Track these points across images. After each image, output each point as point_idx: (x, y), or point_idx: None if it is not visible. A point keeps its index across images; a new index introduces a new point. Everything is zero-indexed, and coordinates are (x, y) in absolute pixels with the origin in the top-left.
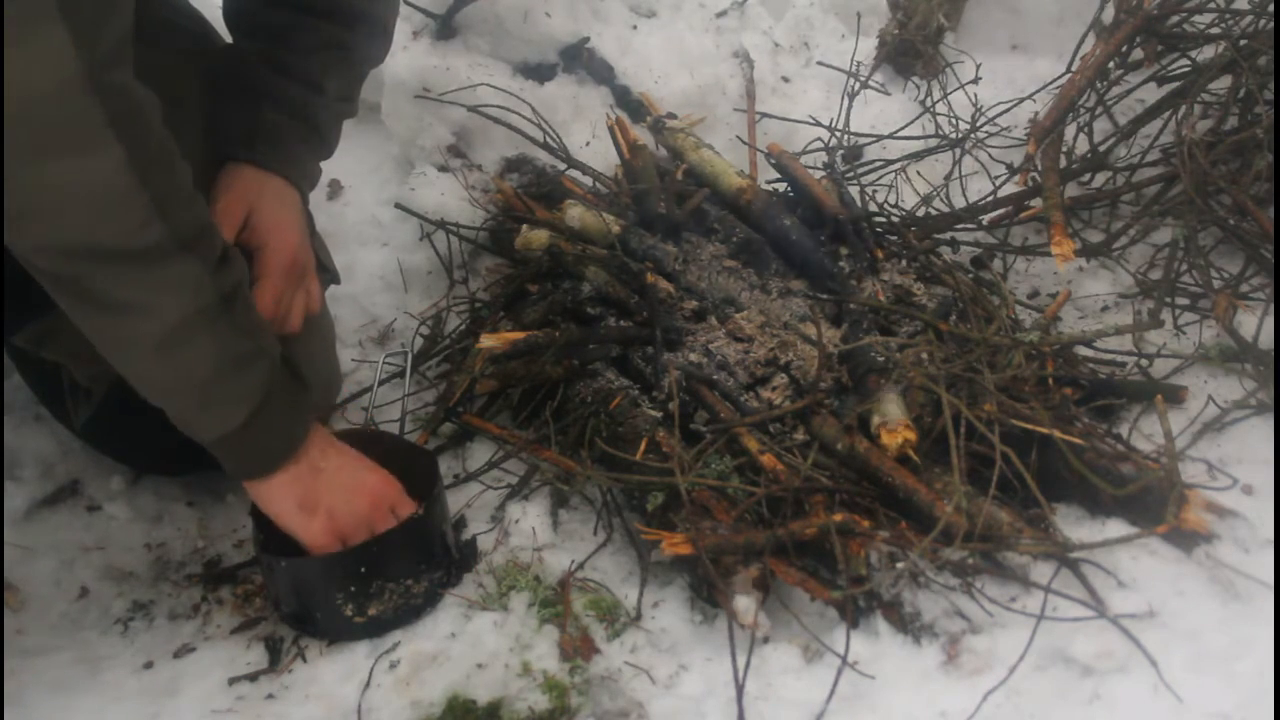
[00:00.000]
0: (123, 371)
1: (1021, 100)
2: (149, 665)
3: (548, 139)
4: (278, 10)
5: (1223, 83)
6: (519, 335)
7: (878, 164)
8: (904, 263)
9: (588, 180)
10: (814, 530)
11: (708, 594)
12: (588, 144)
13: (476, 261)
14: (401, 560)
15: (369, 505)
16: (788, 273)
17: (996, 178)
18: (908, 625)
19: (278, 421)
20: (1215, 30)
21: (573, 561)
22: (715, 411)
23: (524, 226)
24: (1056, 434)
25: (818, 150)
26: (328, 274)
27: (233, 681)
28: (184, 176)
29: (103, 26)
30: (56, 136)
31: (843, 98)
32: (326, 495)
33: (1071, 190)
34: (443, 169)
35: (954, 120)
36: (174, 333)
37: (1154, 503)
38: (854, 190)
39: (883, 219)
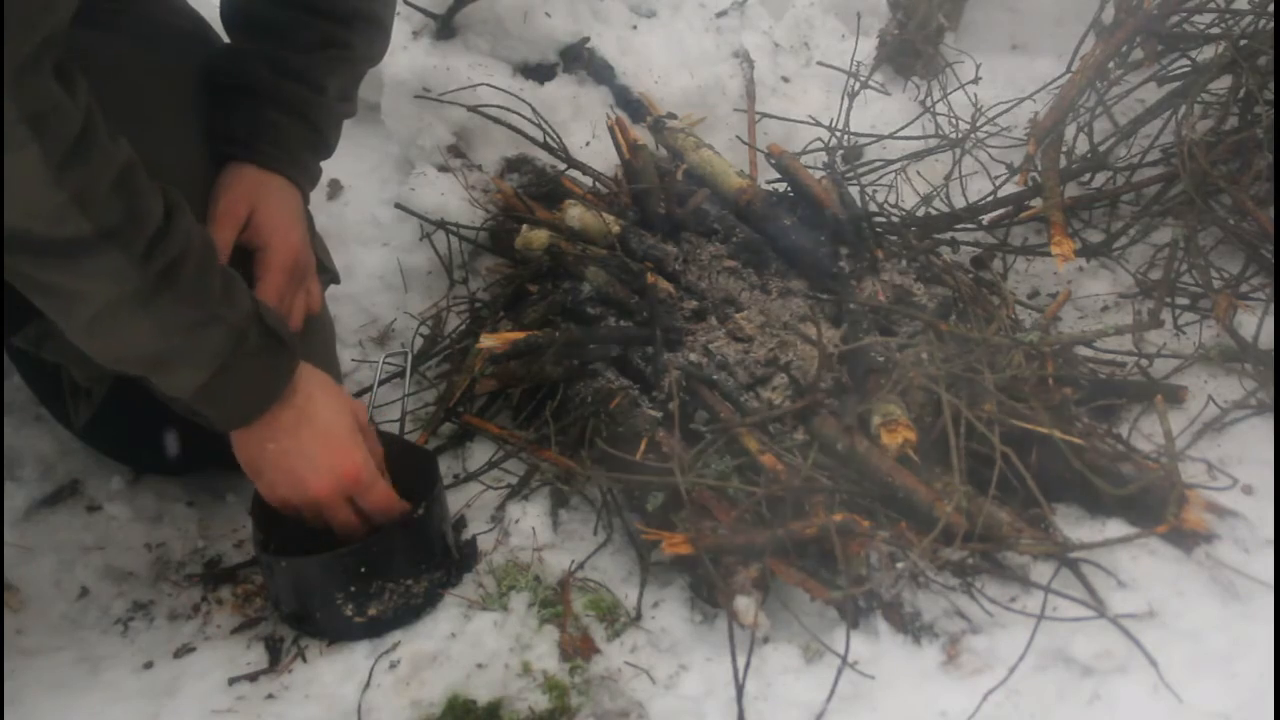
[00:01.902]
0: (81, 348)
1: (1021, 100)
2: (149, 665)
3: (548, 139)
4: (276, 9)
5: (1223, 83)
6: (519, 335)
7: (878, 164)
8: (904, 263)
9: (588, 180)
10: (814, 530)
11: (708, 594)
12: (588, 144)
13: (476, 261)
14: (401, 560)
15: (316, 493)
16: (788, 273)
17: (996, 178)
18: (908, 625)
19: (241, 383)
20: (1215, 30)
21: (573, 561)
22: (715, 411)
23: (524, 226)
24: (1056, 434)
25: (818, 150)
26: (328, 274)
27: (233, 681)
28: (109, 167)
29: (23, 32)
30: None
31: (843, 98)
32: (269, 471)
33: (1071, 190)
34: (443, 169)
35: (954, 120)
36: (102, 315)
37: (1154, 503)
38: (854, 190)
39: (883, 219)
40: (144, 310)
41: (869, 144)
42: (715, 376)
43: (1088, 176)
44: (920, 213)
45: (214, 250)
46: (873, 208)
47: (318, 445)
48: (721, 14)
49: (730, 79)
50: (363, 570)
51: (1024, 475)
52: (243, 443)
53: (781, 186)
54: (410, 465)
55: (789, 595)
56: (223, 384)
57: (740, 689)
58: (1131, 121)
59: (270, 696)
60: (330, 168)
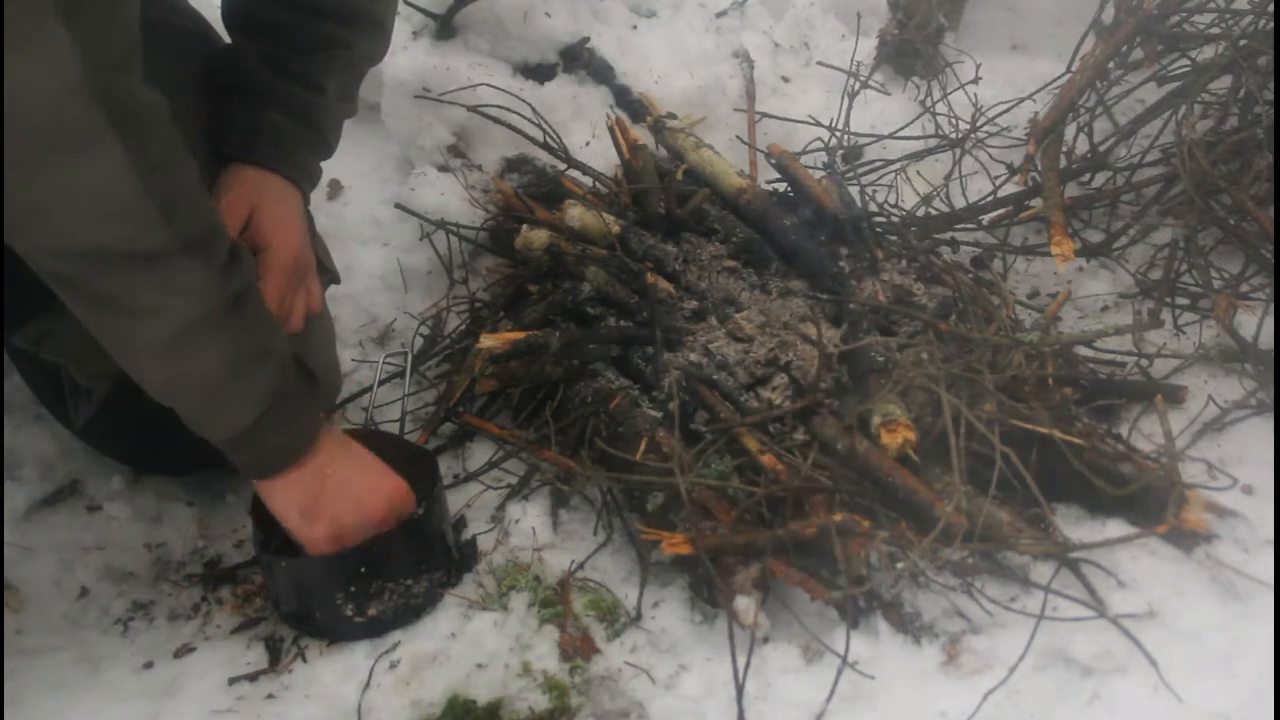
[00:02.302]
0: (132, 373)
1: (1021, 100)
2: (149, 665)
3: (548, 139)
4: (277, 10)
5: (1223, 83)
6: (519, 335)
7: (878, 164)
8: (904, 263)
9: (588, 180)
10: (814, 530)
11: (708, 594)
12: (588, 144)
13: (476, 261)
14: (401, 560)
15: (379, 516)
16: (788, 273)
17: (996, 178)
18: (908, 625)
19: (286, 422)
20: (1215, 30)
21: (573, 561)
22: (715, 411)
23: (524, 226)
24: (1056, 434)
25: (818, 150)
26: (328, 274)
27: (233, 681)
28: (190, 179)
29: (104, 30)
30: (59, 141)
31: (843, 98)
32: (332, 503)
33: (1071, 190)
34: (443, 169)
35: (954, 120)
36: (181, 335)
37: (1154, 503)
38: (854, 190)
39: (883, 219)
40: (218, 333)
41: (869, 144)
42: (715, 376)
43: (1088, 176)
44: (920, 213)
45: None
46: (873, 208)
47: (370, 462)
48: (721, 14)
49: (730, 79)
50: (363, 570)
51: (1024, 475)
52: (294, 484)
53: (781, 186)
54: (410, 465)
55: (789, 595)
56: (270, 422)
57: (740, 689)
58: (1131, 121)
59: (270, 696)
60: (330, 168)
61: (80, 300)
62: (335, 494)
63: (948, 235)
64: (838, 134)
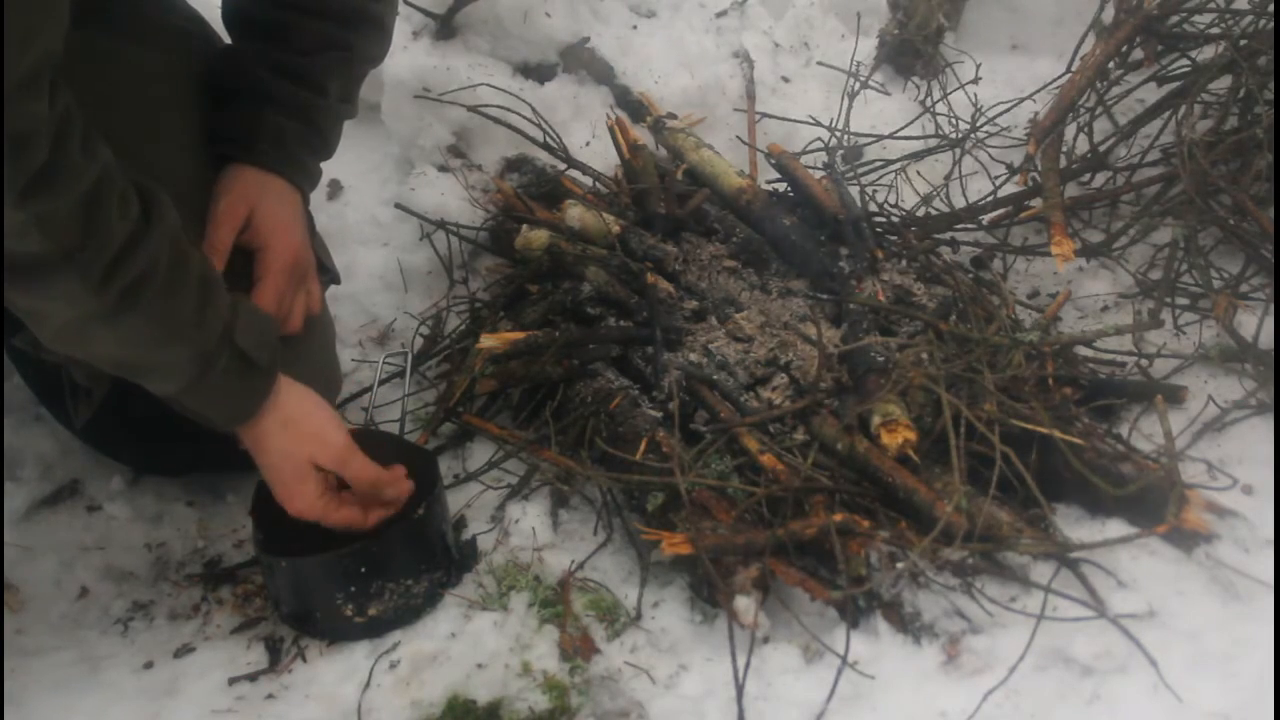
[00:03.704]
0: None
1: (1021, 100)
2: (149, 665)
3: (548, 139)
4: (278, 11)
5: (1223, 83)
6: (519, 335)
7: (878, 164)
8: (904, 263)
9: (588, 180)
10: (814, 530)
11: (708, 594)
12: (588, 144)
13: (476, 261)
14: (401, 560)
15: (320, 458)
16: (788, 273)
17: (996, 178)
18: (908, 625)
19: (211, 399)
20: (1215, 30)
21: (573, 561)
22: (715, 411)
23: (524, 226)
24: (1056, 434)
25: (818, 150)
26: (328, 274)
27: (233, 681)
28: (75, 190)
29: (15, 52)
30: None
31: (843, 98)
32: (268, 472)
33: (1071, 190)
34: (443, 169)
35: (954, 120)
36: (64, 332)
37: (1154, 503)
38: (854, 190)
39: (883, 219)
40: (105, 327)
41: (869, 144)
42: (715, 376)
43: (1088, 176)
44: (920, 213)
45: (188, 266)
46: (873, 208)
47: (270, 475)
48: (721, 14)
49: (730, 79)
50: (363, 570)
51: (1024, 475)
52: (248, 440)
53: (781, 186)
54: (410, 465)
55: (789, 595)
56: (195, 397)
57: (740, 689)
58: (1131, 121)
59: (270, 696)
60: (330, 168)
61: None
62: (267, 473)
63: (948, 235)
64: (838, 134)
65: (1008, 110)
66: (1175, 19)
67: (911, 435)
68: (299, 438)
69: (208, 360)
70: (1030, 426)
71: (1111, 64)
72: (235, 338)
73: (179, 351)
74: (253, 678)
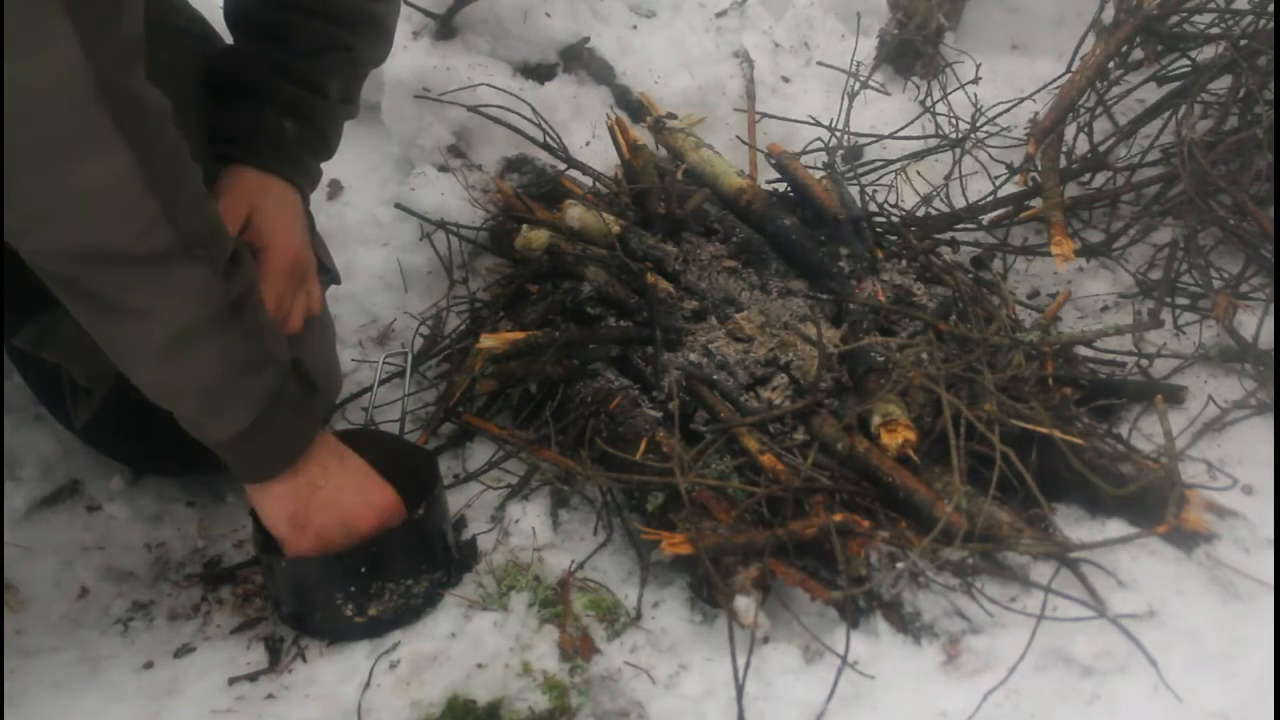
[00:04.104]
0: (128, 373)
1: (1021, 100)
2: (149, 665)
3: (548, 139)
4: (279, 11)
5: (1223, 83)
6: (519, 335)
7: (878, 164)
8: (904, 263)
9: (588, 180)
10: (814, 530)
11: (708, 594)
12: (588, 144)
13: (476, 261)
14: (402, 560)
15: (367, 530)
16: (788, 273)
17: (996, 178)
18: (908, 625)
19: (281, 430)
20: (1215, 30)
21: (573, 561)
22: (715, 411)
23: (524, 226)
24: (1056, 434)
25: (818, 150)
26: (328, 274)
27: (233, 681)
28: (194, 180)
29: (111, 31)
30: (64, 142)
31: (843, 98)
32: (319, 515)
33: (1071, 190)
34: (443, 169)
35: (954, 120)
36: (181, 337)
37: (1154, 503)
38: (854, 190)
39: (883, 219)
40: (216, 336)
41: (869, 144)
42: (715, 376)
43: (1088, 176)
44: (920, 213)
45: (261, 293)
46: (873, 208)
47: (363, 478)
48: (721, 14)
49: (730, 79)
50: (363, 570)
51: (1024, 475)
52: (286, 494)
53: (781, 186)
54: (410, 465)
55: (789, 595)
56: (265, 428)
57: (740, 689)
58: (1131, 121)
59: (270, 696)
60: (330, 168)
61: (81, 302)
62: (323, 507)
63: (948, 235)
64: (838, 134)
65: (1008, 110)
66: (1175, 19)
67: (911, 435)
68: (356, 474)
69: (285, 380)
70: (1030, 426)
71: (1111, 64)
72: (297, 361)
73: (266, 373)
74: (253, 678)
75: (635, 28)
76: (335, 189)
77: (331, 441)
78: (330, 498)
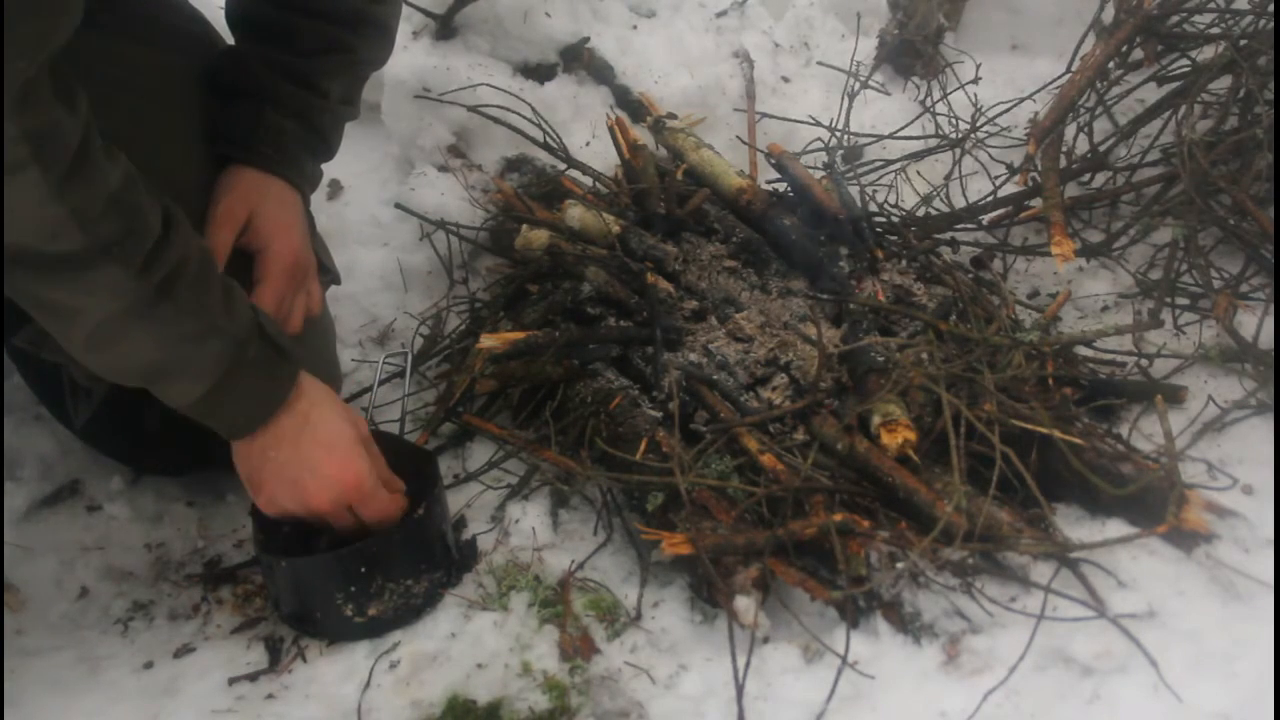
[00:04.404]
0: (80, 361)
1: (1021, 100)
2: (149, 665)
3: (548, 139)
4: (280, 12)
5: (1223, 83)
6: (519, 335)
7: (878, 164)
8: (904, 263)
9: (588, 180)
10: (814, 530)
11: (708, 594)
12: (588, 144)
13: (476, 261)
14: (402, 560)
15: (321, 505)
16: (788, 273)
17: (996, 178)
18: (908, 625)
19: (241, 395)
20: (1215, 30)
21: (573, 561)
22: (715, 411)
23: (524, 226)
24: (1056, 434)
25: (818, 150)
26: (328, 275)
27: (233, 681)
28: (109, 183)
29: (26, 53)
30: None
31: (843, 98)
32: (270, 482)
33: (1071, 190)
34: (443, 169)
35: (954, 120)
36: (101, 329)
37: (1154, 503)
38: (854, 190)
39: (883, 219)
40: (143, 323)
41: (869, 144)
42: (715, 376)
43: (1088, 176)
44: (920, 213)
45: (213, 261)
46: (873, 208)
47: (320, 453)
48: (721, 14)
49: (730, 79)
50: (363, 570)
51: (1024, 475)
52: (244, 454)
53: (781, 186)
54: (410, 465)
55: (789, 595)
56: (223, 395)
57: (740, 689)
58: (1131, 121)
59: (270, 696)
60: (330, 168)
61: (19, 297)
62: (273, 475)
63: (948, 235)
64: (838, 134)
65: (1008, 110)
66: (1175, 19)
67: (911, 435)
68: (344, 406)
69: (241, 348)
70: (1030, 426)
71: (1111, 64)
72: (263, 324)
73: (213, 343)
74: (253, 678)
75: (635, 28)
76: (335, 189)
77: (302, 411)
78: (281, 469)
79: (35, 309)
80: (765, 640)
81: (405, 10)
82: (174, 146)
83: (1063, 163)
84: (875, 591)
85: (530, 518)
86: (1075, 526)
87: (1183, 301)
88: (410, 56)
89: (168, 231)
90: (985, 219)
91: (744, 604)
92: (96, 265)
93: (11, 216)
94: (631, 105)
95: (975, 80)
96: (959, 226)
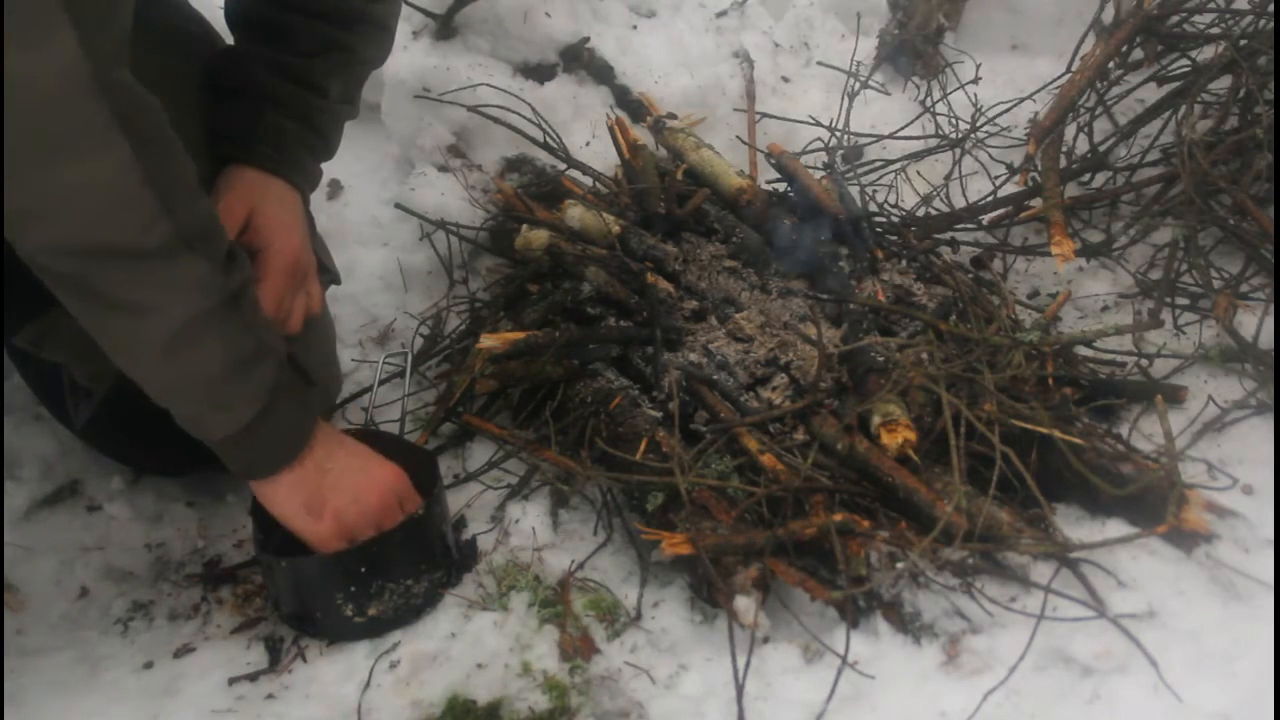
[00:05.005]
0: (129, 371)
1: (1021, 100)
2: (149, 665)
3: (548, 139)
4: (280, 12)
5: (1223, 83)
6: (519, 335)
7: (878, 164)
8: (904, 263)
9: (588, 180)
10: (814, 530)
11: (708, 594)
12: (588, 144)
13: (476, 261)
14: (401, 560)
15: (378, 504)
16: (788, 273)
17: (996, 178)
18: (908, 625)
19: (283, 421)
20: (1215, 30)
21: (573, 561)
22: (715, 411)
23: (524, 226)
24: (1056, 434)
25: (818, 150)
26: (328, 274)
27: (233, 681)
28: (190, 174)
29: (107, 26)
30: (63, 137)
31: (843, 98)
32: (333, 497)
33: (1071, 190)
34: (443, 169)
35: (954, 120)
36: (181, 332)
37: (1154, 503)
38: (854, 190)
39: (883, 219)
40: (216, 330)
41: (869, 144)
42: (715, 376)
43: (1088, 176)
44: (920, 213)
45: (254, 283)
46: (873, 208)
47: (365, 466)
48: (721, 14)
49: (730, 79)
50: (363, 570)
51: (1024, 475)
52: (295, 485)
53: (781, 186)
54: (410, 465)
55: (789, 595)
56: (267, 421)
57: (740, 689)
58: (1131, 121)
59: (270, 696)
60: (330, 168)
61: (82, 299)
62: (334, 488)
63: (948, 235)
64: (838, 134)
65: (1008, 110)
66: (1175, 19)
67: (911, 435)
68: (357, 453)
69: (280, 376)
70: (1030, 426)
71: (1111, 64)
72: (291, 352)
73: (266, 364)
74: (253, 678)
75: (635, 28)
76: (335, 189)
77: (328, 428)
78: (338, 479)
79: (104, 313)
80: (765, 640)
81: (405, 10)
82: None
83: (1063, 163)
84: (875, 591)
85: (530, 518)
86: (1075, 526)
87: (1183, 301)
88: (410, 56)
89: (232, 244)
90: (985, 219)
91: (744, 604)
92: (183, 258)
93: (98, 207)
94: (631, 105)
95: (975, 80)
96: (959, 226)
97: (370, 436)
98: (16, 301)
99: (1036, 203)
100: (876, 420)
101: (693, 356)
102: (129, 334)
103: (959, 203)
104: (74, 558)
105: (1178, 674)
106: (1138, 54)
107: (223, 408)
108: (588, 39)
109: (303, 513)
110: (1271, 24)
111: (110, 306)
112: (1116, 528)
